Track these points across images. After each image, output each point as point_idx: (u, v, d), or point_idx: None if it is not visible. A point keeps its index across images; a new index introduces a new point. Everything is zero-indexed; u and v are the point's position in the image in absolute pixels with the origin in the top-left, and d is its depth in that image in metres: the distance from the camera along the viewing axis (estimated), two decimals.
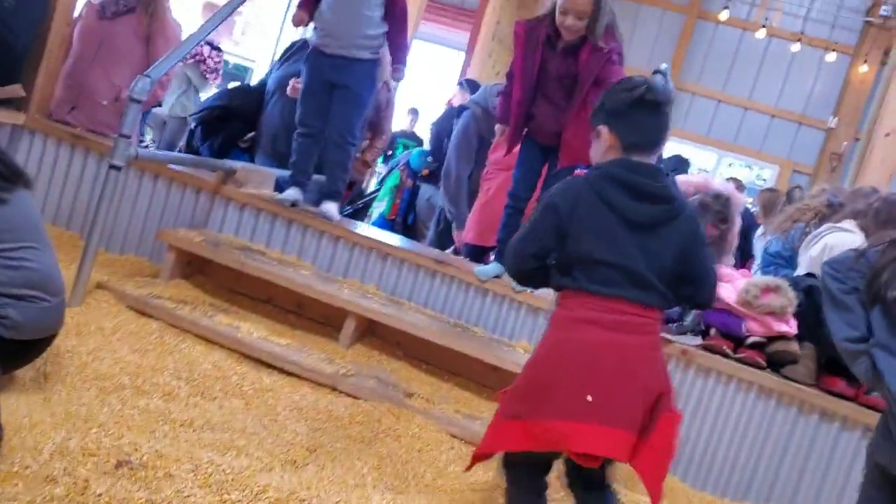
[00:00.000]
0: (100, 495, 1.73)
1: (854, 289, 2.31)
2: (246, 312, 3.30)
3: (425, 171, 5.93)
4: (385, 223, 6.10)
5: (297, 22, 3.55)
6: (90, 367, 2.44)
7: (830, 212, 4.23)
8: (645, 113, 2.05)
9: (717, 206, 3.75)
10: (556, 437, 1.90)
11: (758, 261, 4.86)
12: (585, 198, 2.01)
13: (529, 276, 2.15)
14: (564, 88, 3.23)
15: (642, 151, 2.04)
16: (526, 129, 3.36)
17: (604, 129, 2.07)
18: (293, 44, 4.52)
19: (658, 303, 2.02)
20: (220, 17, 3.43)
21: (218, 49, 5.70)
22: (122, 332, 2.79)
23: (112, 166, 2.91)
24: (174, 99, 5.50)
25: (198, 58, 5.51)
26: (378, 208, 6.04)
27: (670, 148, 10.15)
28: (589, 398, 1.91)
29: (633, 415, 1.92)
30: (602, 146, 2.08)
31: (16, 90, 3.63)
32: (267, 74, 4.50)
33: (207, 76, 5.56)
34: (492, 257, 4.10)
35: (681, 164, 6.94)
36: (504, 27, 9.52)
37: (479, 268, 3.46)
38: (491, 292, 3.43)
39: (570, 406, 1.91)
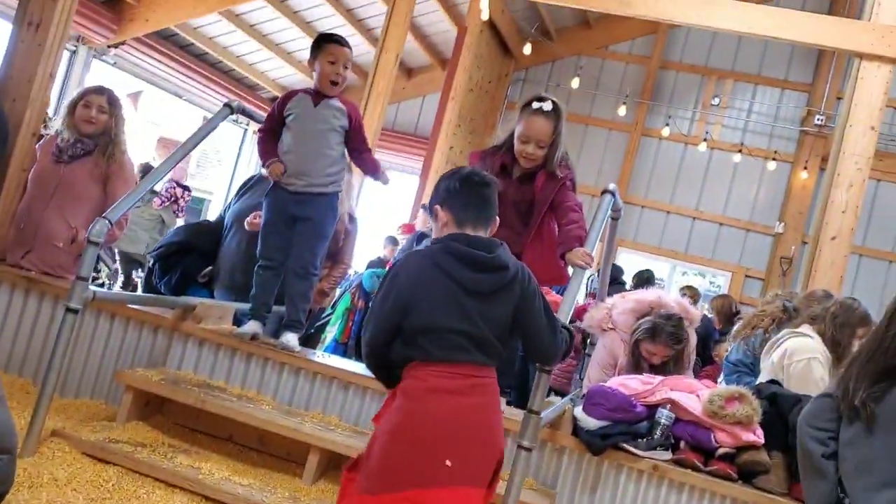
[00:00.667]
0: None
1: (834, 453, 2.39)
2: (207, 452, 3.21)
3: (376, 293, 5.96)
4: (338, 347, 6.09)
5: (275, 172, 3.54)
6: None
7: (786, 316, 4.32)
8: (473, 192, 2.31)
9: (670, 327, 3.83)
10: None
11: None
12: (427, 270, 2.19)
13: (390, 366, 2.26)
14: (521, 214, 3.31)
15: (475, 226, 2.28)
16: None
17: (439, 209, 2.32)
18: (251, 177, 4.59)
19: (494, 365, 2.23)
20: (179, 156, 3.49)
21: (187, 188, 5.79)
22: (77, 480, 2.69)
23: (69, 309, 2.88)
24: (149, 238, 5.53)
25: (172, 199, 5.58)
26: (331, 332, 6.02)
27: (625, 260, 10.37)
28: (448, 463, 2.06)
29: (486, 472, 2.14)
30: (440, 224, 2.32)
31: None
32: (224, 208, 4.54)
33: (179, 215, 5.61)
34: None
35: (648, 281, 7.15)
36: (457, 152, 9.81)
37: None
38: None
39: (430, 473, 2.05)
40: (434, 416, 2.10)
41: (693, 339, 3.84)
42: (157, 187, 6.90)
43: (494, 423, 2.19)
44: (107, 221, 2.98)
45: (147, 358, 3.59)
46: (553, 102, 3.20)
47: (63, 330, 2.89)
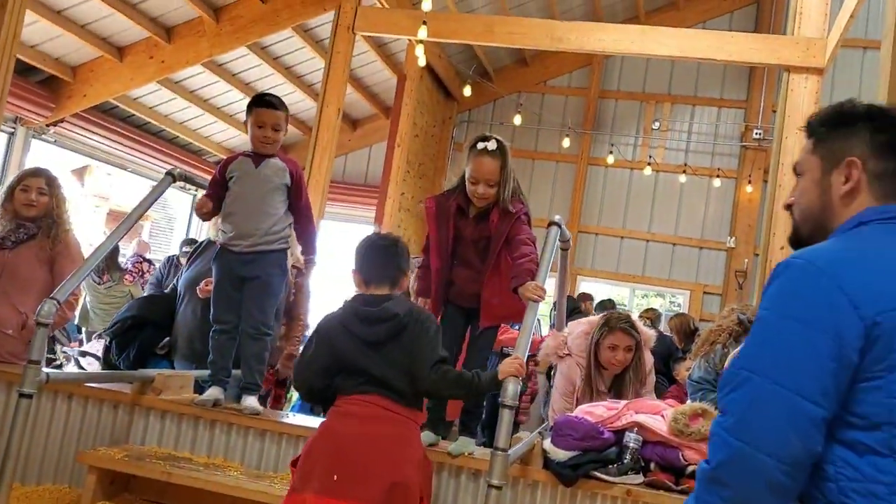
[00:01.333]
0: None
1: None
2: None
3: None
4: (304, 406, 6.03)
5: (201, 208, 3.60)
6: None
7: (742, 329, 4.39)
8: (375, 253, 2.80)
9: (623, 319, 3.87)
10: None
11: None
12: (336, 329, 2.71)
13: (320, 394, 2.76)
14: (479, 251, 3.34)
15: (378, 284, 2.76)
16: (447, 296, 3.43)
17: (353, 272, 2.80)
18: (199, 243, 4.57)
19: (407, 401, 2.67)
20: (125, 229, 3.47)
21: (151, 262, 5.76)
22: None
23: (21, 395, 2.83)
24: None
25: (139, 273, 5.54)
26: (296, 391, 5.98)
27: (585, 288, 10.47)
28: (335, 477, 2.48)
29: (373, 494, 2.45)
30: (354, 284, 2.79)
31: None
32: (176, 277, 4.51)
33: (143, 289, 5.56)
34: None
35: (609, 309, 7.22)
36: (408, 197, 9.88)
37: (451, 446, 3.35)
38: (454, 468, 3.31)
39: (322, 483, 2.48)
40: (337, 435, 2.58)
41: (650, 359, 3.87)
42: (124, 263, 6.86)
43: (395, 452, 2.57)
44: (55, 301, 2.95)
45: (109, 436, 3.52)
46: (497, 140, 3.26)
47: (18, 416, 2.83)
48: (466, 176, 3.28)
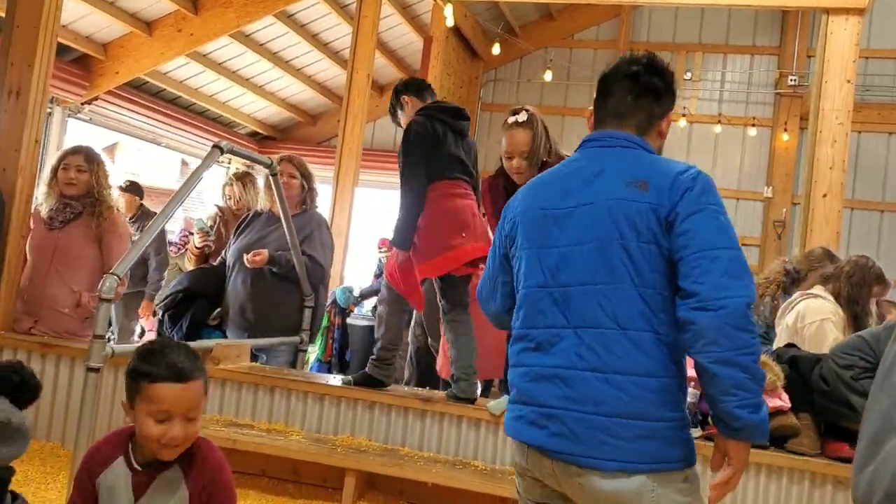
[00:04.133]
0: None
1: (862, 374, 2.45)
2: (243, 489, 3.23)
3: (352, 307, 6.14)
4: (322, 366, 6.15)
5: None
6: None
7: (789, 280, 4.36)
8: None
9: None
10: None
11: None
12: None
13: None
14: None
15: None
16: None
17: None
18: (245, 216, 4.61)
19: None
20: (176, 205, 3.50)
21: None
22: None
23: (90, 369, 2.90)
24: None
25: (186, 247, 5.62)
26: (313, 353, 6.07)
27: None
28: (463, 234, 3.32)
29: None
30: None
31: None
32: (225, 250, 4.56)
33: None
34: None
35: None
36: None
37: (490, 403, 3.43)
38: (483, 422, 3.42)
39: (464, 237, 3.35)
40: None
41: None
42: (172, 236, 6.94)
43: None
44: (116, 277, 3.00)
45: None
46: (526, 111, 3.30)
47: (87, 390, 2.90)
48: (502, 154, 3.32)
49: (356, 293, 6.59)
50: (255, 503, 3.03)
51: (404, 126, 3.57)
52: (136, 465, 1.83)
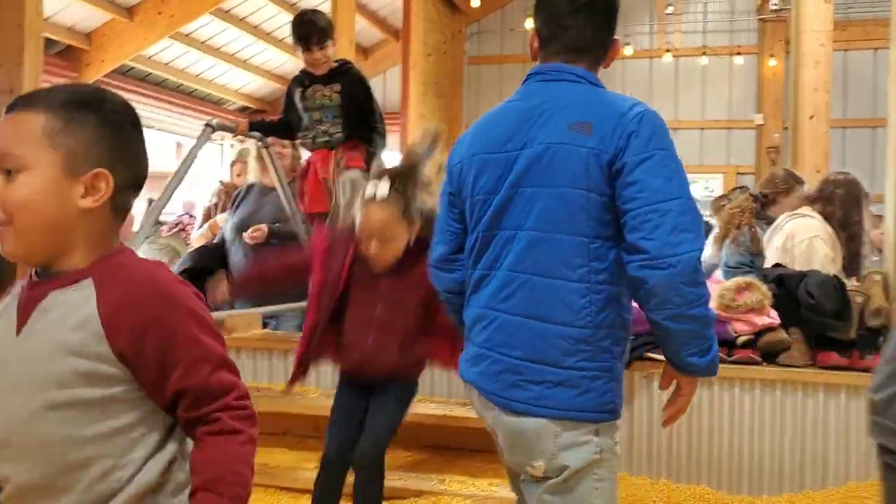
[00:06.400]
0: None
1: None
2: (268, 448, 3.40)
3: None
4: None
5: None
6: None
7: (759, 205, 4.43)
8: None
9: None
10: None
11: None
12: None
13: None
14: None
15: None
16: None
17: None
18: (239, 190, 4.73)
19: None
20: (175, 185, 3.63)
21: (192, 216, 5.95)
22: None
23: None
24: None
25: (179, 227, 5.74)
26: None
27: None
28: None
29: None
30: None
31: None
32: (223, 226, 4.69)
33: (187, 242, 5.75)
34: None
35: None
36: (429, 119, 9.90)
37: None
38: None
39: None
40: None
41: None
42: (166, 218, 7.05)
43: None
44: None
45: None
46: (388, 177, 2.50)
47: None
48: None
49: None
50: (281, 458, 3.19)
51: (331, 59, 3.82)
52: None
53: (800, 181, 4.46)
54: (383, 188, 2.40)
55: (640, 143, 1.66)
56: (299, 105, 3.96)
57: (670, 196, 1.62)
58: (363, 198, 2.43)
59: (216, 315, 3.83)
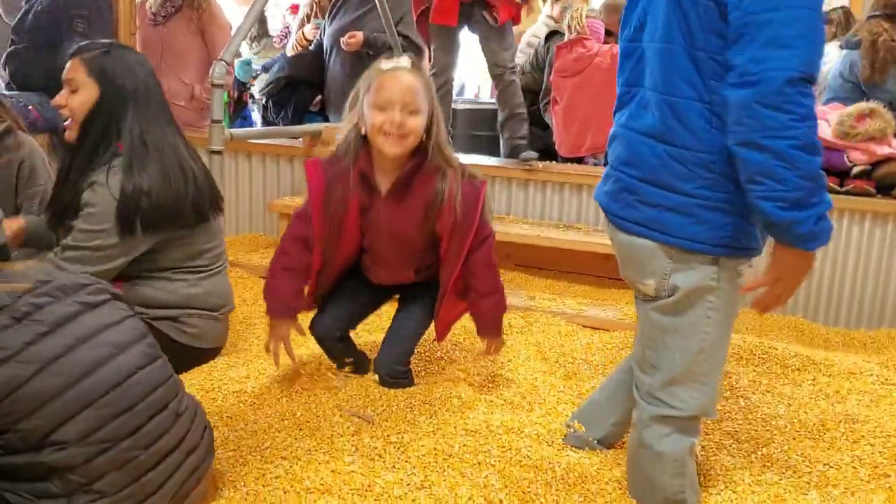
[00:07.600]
0: None
1: None
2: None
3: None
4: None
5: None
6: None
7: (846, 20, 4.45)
8: None
9: None
10: None
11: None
12: None
13: None
14: None
15: None
16: None
17: None
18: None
19: None
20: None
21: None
22: (261, 301, 2.99)
23: (212, 152, 3.09)
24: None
25: (286, 32, 5.71)
26: None
27: None
28: None
29: None
30: None
31: None
32: (320, 33, 4.60)
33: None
34: (590, 162, 4.17)
35: None
36: None
37: None
38: (585, 187, 3.52)
39: None
40: None
41: None
42: (273, 25, 6.95)
43: None
44: (224, 63, 3.12)
45: (290, 187, 3.83)
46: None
47: (212, 172, 3.10)
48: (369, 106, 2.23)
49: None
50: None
51: None
52: None
53: None
54: (405, 60, 2.18)
55: None
56: None
57: (773, 6, 1.40)
58: (380, 70, 2.15)
59: (312, 127, 3.84)
